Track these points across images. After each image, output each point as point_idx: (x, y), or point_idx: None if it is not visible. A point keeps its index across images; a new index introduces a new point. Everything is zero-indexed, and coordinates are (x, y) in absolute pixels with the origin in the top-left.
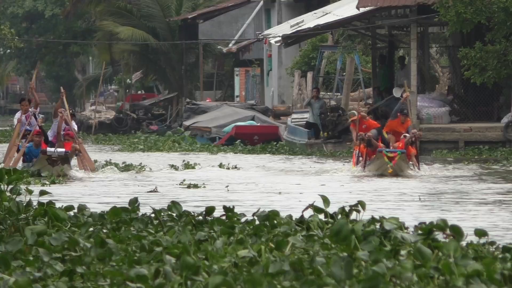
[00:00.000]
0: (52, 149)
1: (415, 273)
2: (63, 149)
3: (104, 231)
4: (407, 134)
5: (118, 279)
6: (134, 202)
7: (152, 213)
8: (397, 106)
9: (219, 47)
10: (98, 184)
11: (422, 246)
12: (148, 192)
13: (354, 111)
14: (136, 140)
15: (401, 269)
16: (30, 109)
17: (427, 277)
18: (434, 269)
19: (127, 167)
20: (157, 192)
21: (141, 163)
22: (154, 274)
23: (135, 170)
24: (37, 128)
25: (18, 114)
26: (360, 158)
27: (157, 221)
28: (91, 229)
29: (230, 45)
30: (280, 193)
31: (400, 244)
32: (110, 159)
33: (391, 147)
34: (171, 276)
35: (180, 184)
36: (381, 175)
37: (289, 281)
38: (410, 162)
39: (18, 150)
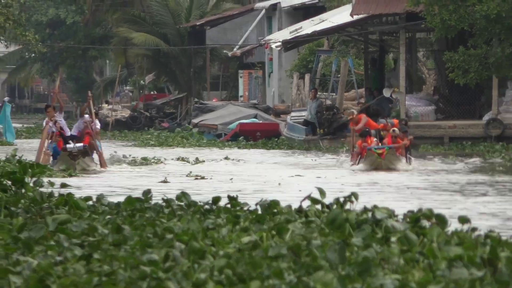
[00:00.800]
0: (71, 145)
1: (401, 257)
2: (81, 144)
3: (120, 218)
4: (395, 129)
5: (132, 262)
6: (147, 192)
7: (164, 202)
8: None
9: (224, 51)
10: (113, 176)
11: (409, 232)
12: (159, 182)
13: (352, 110)
14: (149, 136)
15: (389, 253)
16: (56, 114)
17: (413, 261)
18: (419, 254)
19: (145, 160)
20: (167, 182)
21: (154, 157)
22: (164, 258)
23: (153, 163)
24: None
25: (45, 121)
26: (355, 150)
27: (169, 210)
28: (108, 217)
29: (235, 49)
30: (279, 184)
31: (390, 232)
32: (130, 154)
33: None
34: (180, 259)
35: (187, 176)
36: (375, 169)
37: (287, 264)
38: (401, 155)
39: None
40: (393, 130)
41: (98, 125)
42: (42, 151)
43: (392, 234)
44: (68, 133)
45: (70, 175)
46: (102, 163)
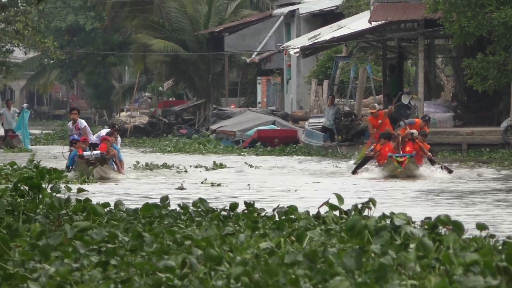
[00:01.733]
0: (88, 152)
1: (418, 263)
2: (99, 151)
3: (139, 225)
4: (413, 131)
5: (148, 269)
6: (165, 199)
7: (181, 208)
8: (405, 121)
9: (243, 57)
10: (130, 183)
11: (425, 239)
12: (176, 189)
13: (375, 104)
14: (167, 142)
15: (405, 260)
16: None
17: (429, 267)
18: (435, 260)
19: (165, 167)
20: (184, 189)
21: (173, 164)
22: (181, 264)
23: (175, 170)
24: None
25: (69, 124)
26: (372, 153)
27: (186, 216)
28: (129, 223)
29: (253, 56)
30: (296, 190)
31: (409, 238)
32: (151, 162)
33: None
34: (196, 266)
35: (202, 183)
36: (394, 177)
37: (303, 270)
38: (420, 164)
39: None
40: (411, 133)
41: (119, 140)
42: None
43: (411, 241)
44: (91, 140)
45: (84, 181)
46: (120, 169)
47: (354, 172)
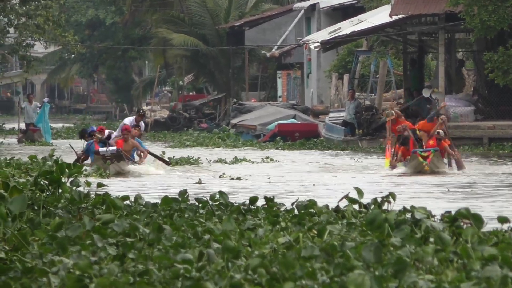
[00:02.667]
0: (104, 149)
1: (435, 257)
2: (114, 147)
3: (160, 219)
4: (440, 131)
5: (165, 262)
6: (183, 193)
7: (199, 202)
8: (434, 111)
9: (263, 52)
10: (148, 177)
11: (442, 232)
12: (195, 183)
13: (392, 111)
14: (188, 137)
15: (423, 253)
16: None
17: (446, 261)
18: (453, 254)
19: (195, 161)
20: (202, 183)
21: (193, 157)
22: (198, 257)
23: (197, 164)
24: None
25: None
26: (394, 158)
27: (205, 210)
28: (149, 216)
29: (273, 50)
30: (314, 185)
31: (430, 232)
32: (174, 156)
33: (424, 146)
34: (214, 258)
35: (220, 177)
36: (419, 173)
37: (320, 264)
38: (445, 159)
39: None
40: (438, 133)
41: (142, 126)
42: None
43: (431, 235)
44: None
45: (101, 175)
46: (141, 159)
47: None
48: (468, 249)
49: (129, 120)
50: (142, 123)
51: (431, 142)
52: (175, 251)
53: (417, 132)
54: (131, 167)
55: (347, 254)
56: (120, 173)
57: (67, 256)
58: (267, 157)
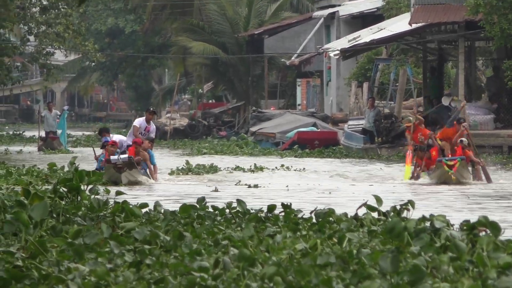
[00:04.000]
0: (115, 157)
1: (451, 265)
2: (126, 155)
3: (180, 226)
4: (463, 139)
5: (182, 270)
6: (202, 200)
7: (215, 210)
8: (455, 114)
9: (282, 60)
10: (164, 186)
11: (457, 240)
12: (211, 191)
13: (410, 118)
14: (207, 144)
15: (440, 262)
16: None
17: (462, 269)
18: (469, 262)
19: (213, 169)
20: (218, 191)
21: (212, 164)
22: (214, 264)
23: (224, 171)
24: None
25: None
26: (418, 168)
27: (223, 217)
28: (170, 223)
29: (293, 58)
30: (330, 192)
31: (450, 241)
32: (197, 164)
33: (447, 155)
34: (230, 266)
35: (236, 185)
36: (444, 182)
37: (336, 272)
38: (470, 168)
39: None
40: (461, 141)
41: (152, 133)
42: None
43: (451, 244)
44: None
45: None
46: (153, 176)
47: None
48: (484, 257)
49: (139, 122)
50: (153, 125)
51: (457, 151)
52: (191, 259)
53: (439, 142)
54: (144, 178)
55: (363, 261)
56: (133, 183)
57: (83, 263)
58: (282, 165)
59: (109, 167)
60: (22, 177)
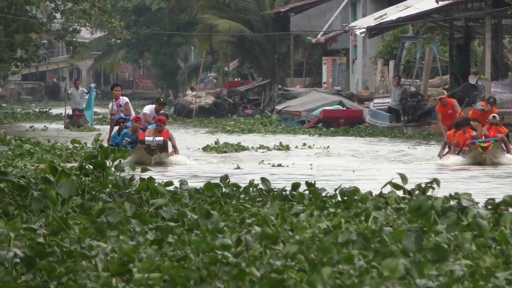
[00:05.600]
0: (151, 138)
1: (473, 243)
2: (161, 138)
3: (206, 204)
4: (495, 114)
5: (204, 247)
6: (225, 178)
7: (237, 188)
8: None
9: (308, 38)
10: (192, 164)
11: (479, 218)
12: (234, 169)
13: (443, 90)
14: (232, 123)
15: (462, 239)
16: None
17: (484, 247)
18: (491, 240)
19: (240, 147)
20: (240, 169)
21: (238, 143)
22: (236, 242)
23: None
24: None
25: (110, 105)
26: (446, 149)
27: (248, 195)
28: (197, 202)
29: (319, 36)
30: (353, 171)
31: (476, 219)
32: (217, 139)
33: (482, 137)
34: (252, 244)
35: (259, 164)
36: (479, 163)
37: (358, 249)
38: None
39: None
40: (494, 116)
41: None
42: (110, 139)
43: (472, 222)
44: (131, 115)
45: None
46: (175, 150)
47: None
48: (507, 235)
49: (149, 109)
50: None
51: (491, 133)
52: (213, 237)
53: (472, 122)
54: (170, 158)
55: (384, 239)
56: (159, 163)
57: (105, 241)
58: (304, 144)
59: (141, 147)
60: (44, 156)
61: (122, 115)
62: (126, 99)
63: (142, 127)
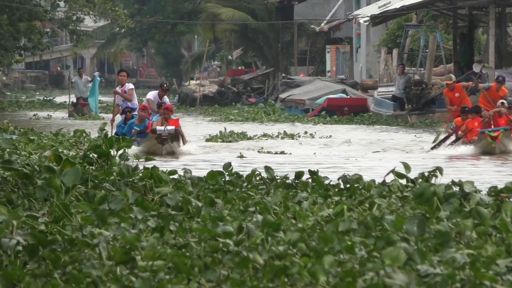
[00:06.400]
0: (162, 127)
1: (474, 231)
2: (173, 127)
3: (210, 192)
4: (504, 101)
5: (206, 235)
6: (228, 166)
7: (238, 176)
8: (486, 84)
9: (312, 26)
10: (197, 152)
11: (480, 207)
12: (237, 157)
13: (451, 75)
14: (236, 111)
15: (464, 227)
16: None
17: (485, 235)
18: (492, 228)
19: (245, 136)
20: (243, 157)
21: (243, 132)
22: (238, 230)
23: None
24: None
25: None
26: (451, 139)
27: (250, 183)
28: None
29: (322, 24)
30: (356, 159)
31: (481, 206)
32: (231, 130)
33: (489, 126)
34: (253, 232)
35: (259, 152)
36: (488, 153)
37: (359, 238)
38: None
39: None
40: (502, 103)
41: (167, 101)
42: (114, 120)
43: (473, 209)
44: (134, 105)
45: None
46: (183, 138)
47: (433, 148)
48: (507, 223)
49: (152, 95)
50: (166, 98)
51: (501, 121)
52: (214, 225)
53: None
54: (184, 150)
55: (385, 227)
56: (170, 153)
57: (106, 228)
58: (306, 132)
59: (153, 137)
60: (45, 142)
61: (129, 104)
62: (131, 85)
63: (169, 107)
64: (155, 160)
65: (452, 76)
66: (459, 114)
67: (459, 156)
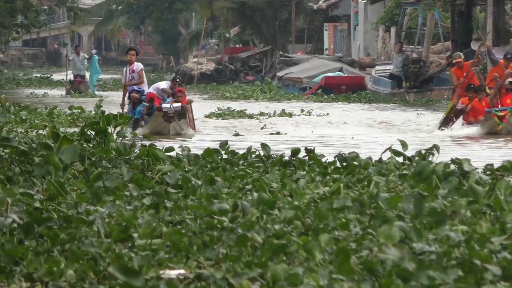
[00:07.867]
0: (168, 105)
1: (468, 209)
2: (179, 104)
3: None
4: (511, 79)
5: (201, 212)
6: (224, 144)
7: (234, 155)
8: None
9: (310, 4)
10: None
11: (474, 184)
12: (233, 135)
13: (460, 53)
14: (233, 89)
15: (459, 205)
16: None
17: (479, 213)
18: (486, 206)
19: (243, 114)
20: (239, 135)
21: (242, 110)
22: (233, 208)
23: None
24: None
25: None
26: (450, 124)
27: (246, 162)
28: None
29: (320, 2)
30: (353, 137)
31: (480, 184)
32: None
33: (496, 104)
34: (248, 210)
35: (261, 129)
36: (495, 134)
37: (354, 215)
38: None
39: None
40: (510, 82)
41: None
42: (124, 104)
43: (467, 187)
44: (144, 90)
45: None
46: (192, 126)
47: (440, 127)
48: (501, 201)
49: (167, 85)
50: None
51: (507, 100)
52: (209, 202)
53: (487, 90)
54: (191, 130)
55: (379, 205)
56: (179, 134)
57: (101, 205)
58: (302, 110)
59: (159, 115)
60: (37, 121)
61: (136, 87)
62: (140, 65)
63: (182, 90)
64: (163, 141)
65: (461, 54)
66: (465, 91)
67: (465, 136)
